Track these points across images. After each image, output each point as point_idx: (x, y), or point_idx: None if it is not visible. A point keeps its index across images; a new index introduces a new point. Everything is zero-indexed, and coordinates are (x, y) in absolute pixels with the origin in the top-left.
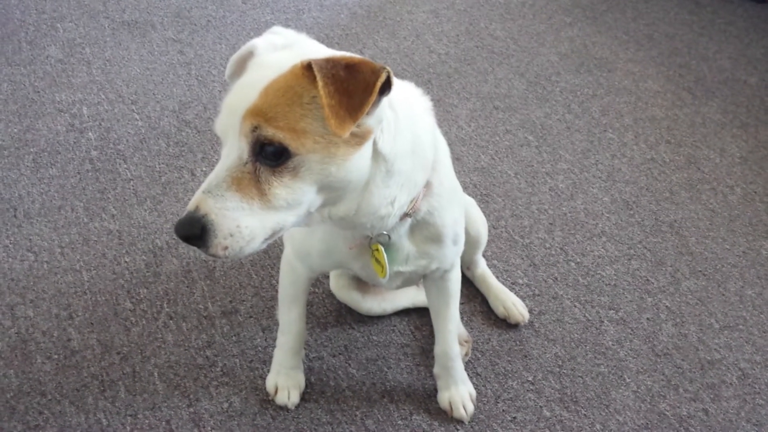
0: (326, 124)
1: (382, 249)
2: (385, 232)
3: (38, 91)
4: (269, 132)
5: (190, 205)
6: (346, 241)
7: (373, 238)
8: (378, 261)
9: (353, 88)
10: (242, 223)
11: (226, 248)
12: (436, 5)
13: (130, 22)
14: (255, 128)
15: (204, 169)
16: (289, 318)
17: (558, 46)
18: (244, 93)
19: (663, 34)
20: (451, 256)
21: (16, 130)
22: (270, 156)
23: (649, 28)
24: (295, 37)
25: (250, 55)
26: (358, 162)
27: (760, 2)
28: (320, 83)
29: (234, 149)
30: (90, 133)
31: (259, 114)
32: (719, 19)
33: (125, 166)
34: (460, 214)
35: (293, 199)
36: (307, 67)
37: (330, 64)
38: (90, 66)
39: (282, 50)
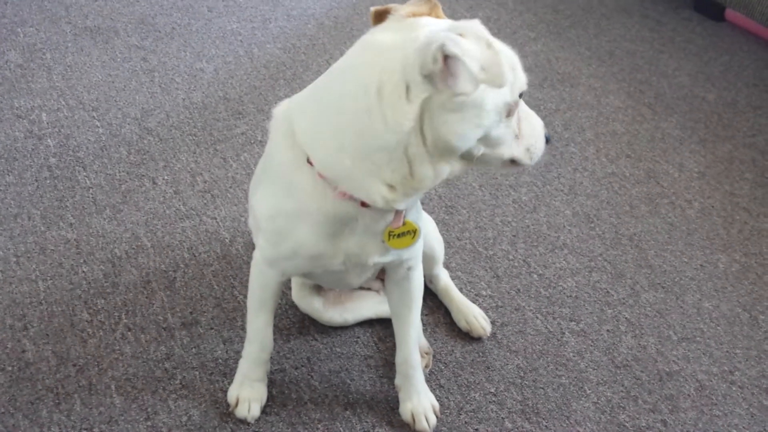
0: None
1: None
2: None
3: None
4: None
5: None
6: (365, 226)
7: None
8: (400, 235)
9: None
10: None
11: None
12: None
13: (93, 28)
14: None
15: (166, 177)
16: (257, 325)
17: (522, 60)
18: None
19: (624, 50)
20: (416, 249)
21: None
22: None
23: (610, 45)
24: None
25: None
26: None
27: (718, 21)
28: None
29: None
30: (49, 140)
31: None
32: (679, 36)
33: (84, 173)
34: (420, 211)
35: None
36: None
37: None
38: (50, 72)
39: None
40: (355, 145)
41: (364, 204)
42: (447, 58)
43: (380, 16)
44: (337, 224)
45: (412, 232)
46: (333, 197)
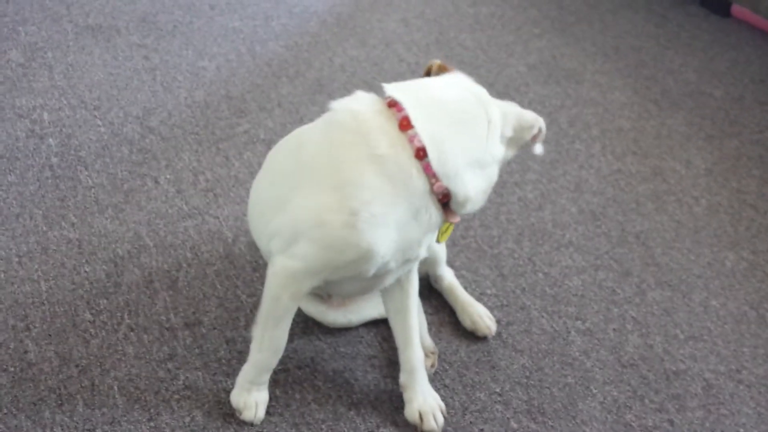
0: None
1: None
2: None
3: None
4: None
5: None
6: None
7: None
8: (446, 229)
9: None
10: None
11: None
12: (406, 14)
13: (94, 27)
14: None
15: (168, 176)
16: (275, 334)
17: (527, 57)
18: None
19: (630, 46)
20: None
21: None
22: None
23: (616, 41)
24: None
25: None
26: None
27: (725, 16)
28: None
29: None
30: (50, 140)
31: None
32: (685, 32)
33: (86, 173)
34: None
35: None
36: None
37: None
38: (52, 71)
39: None
40: (470, 153)
41: (442, 198)
42: (540, 130)
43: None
44: (413, 216)
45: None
46: (429, 189)
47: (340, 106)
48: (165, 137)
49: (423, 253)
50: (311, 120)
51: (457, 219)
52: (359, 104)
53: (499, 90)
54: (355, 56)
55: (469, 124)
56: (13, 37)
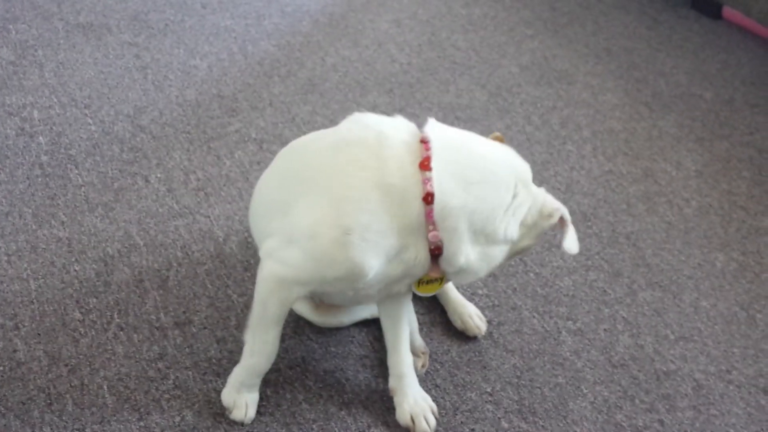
0: None
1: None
2: None
3: None
4: None
5: None
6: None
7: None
8: (429, 282)
9: None
10: None
11: None
12: (398, 15)
13: (85, 25)
14: None
15: (159, 175)
16: (266, 339)
17: (519, 58)
18: None
19: (621, 48)
20: None
21: None
22: None
23: (608, 42)
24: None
25: None
26: None
27: (716, 19)
28: None
29: None
30: (40, 138)
31: None
32: (676, 34)
33: (76, 171)
34: None
35: None
36: None
37: None
38: (42, 69)
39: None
40: (478, 220)
41: (434, 250)
42: (562, 220)
43: None
44: (399, 250)
45: (439, 280)
46: (425, 235)
47: (373, 121)
48: (156, 136)
49: (405, 291)
50: (302, 119)
51: (435, 274)
52: (392, 129)
53: (492, 91)
54: (347, 56)
55: (488, 189)
56: (4, 35)
